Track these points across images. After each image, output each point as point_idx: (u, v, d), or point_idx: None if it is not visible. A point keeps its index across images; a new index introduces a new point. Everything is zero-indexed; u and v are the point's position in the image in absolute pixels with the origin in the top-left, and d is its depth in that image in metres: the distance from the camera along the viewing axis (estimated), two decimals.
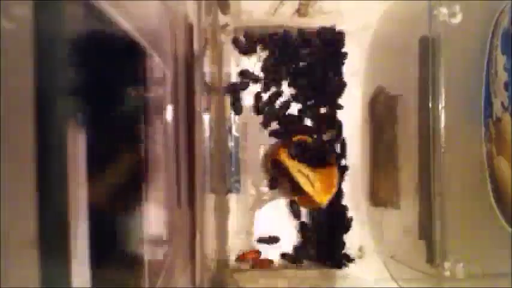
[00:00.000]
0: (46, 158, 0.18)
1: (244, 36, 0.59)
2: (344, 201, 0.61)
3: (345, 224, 0.60)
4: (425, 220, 0.48)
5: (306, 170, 0.56)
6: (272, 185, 0.59)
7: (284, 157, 0.56)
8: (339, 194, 0.60)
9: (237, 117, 0.59)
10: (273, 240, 0.59)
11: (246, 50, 0.59)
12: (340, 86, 0.60)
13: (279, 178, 0.59)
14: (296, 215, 0.59)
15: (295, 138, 0.58)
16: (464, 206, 0.47)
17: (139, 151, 0.34)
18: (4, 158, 0.16)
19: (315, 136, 0.59)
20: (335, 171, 0.58)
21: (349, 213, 0.60)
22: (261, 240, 0.59)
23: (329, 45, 0.60)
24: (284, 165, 0.57)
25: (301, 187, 0.56)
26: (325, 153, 0.58)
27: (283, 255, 0.59)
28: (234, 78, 0.59)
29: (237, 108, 0.59)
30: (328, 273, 0.59)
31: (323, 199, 0.57)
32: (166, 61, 0.41)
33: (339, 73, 0.61)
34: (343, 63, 0.61)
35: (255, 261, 0.58)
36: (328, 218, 0.60)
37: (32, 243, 0.17)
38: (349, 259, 0.59)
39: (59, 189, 0.19)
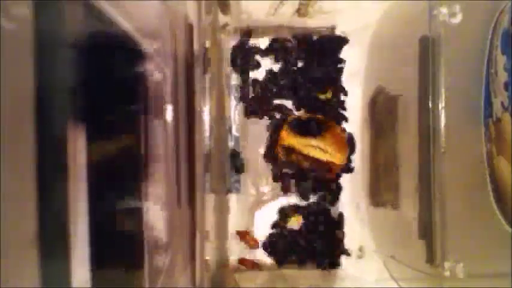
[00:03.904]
0: (46, 157, 0.18)
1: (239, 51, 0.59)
2: (344, 201, 0.61)
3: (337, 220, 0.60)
4: (425, 220, 0.48)
5: (314, 141, 0.58)
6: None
7: (289, 139, 0.57)
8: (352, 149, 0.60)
9: (237, 117, 0.59)
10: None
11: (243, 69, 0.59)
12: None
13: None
14: (304, 195, 0.60)
15: (289, 118, 0.59)
16: (464, 206, 0.47)
17: (139, 151, 0.34)
18: (4, 158, 0.16)
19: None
20: (339, 130, 0.59)
21: (349, 213, 0.60)
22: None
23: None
24: (293, 147, 0.58)
25: (318, 161, 0.58)
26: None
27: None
28: (234, 79, 0.59)
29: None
30: (328, 273, 0.59)
31: (341, 159, 0.59)
32: (166, 61, 0.41)
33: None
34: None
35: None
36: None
37: (32, 243, 0.17)
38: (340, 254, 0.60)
39: (59, 189, 0.19)
